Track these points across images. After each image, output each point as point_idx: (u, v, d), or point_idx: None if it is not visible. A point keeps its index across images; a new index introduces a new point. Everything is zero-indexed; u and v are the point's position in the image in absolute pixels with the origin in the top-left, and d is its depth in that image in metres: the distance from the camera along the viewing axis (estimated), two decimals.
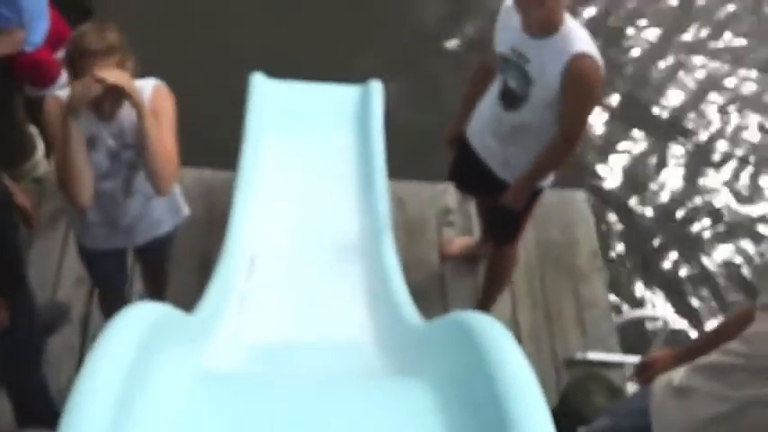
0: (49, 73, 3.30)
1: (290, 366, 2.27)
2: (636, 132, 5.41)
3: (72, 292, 3.45)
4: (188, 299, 2.68)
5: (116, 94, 2.24)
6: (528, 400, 1.42)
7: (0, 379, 2.82)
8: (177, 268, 3.49)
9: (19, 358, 2.67)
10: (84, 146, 2.29)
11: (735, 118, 5.60)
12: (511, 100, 2.78)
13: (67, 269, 3.50)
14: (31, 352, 2.74)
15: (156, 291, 3.24)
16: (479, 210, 3.66)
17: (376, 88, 3.63)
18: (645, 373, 2.47)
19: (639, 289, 4.60)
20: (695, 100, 5.67)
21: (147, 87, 2.41)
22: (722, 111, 5.64)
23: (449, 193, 4.08)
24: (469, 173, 3.15)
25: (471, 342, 1.59)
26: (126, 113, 2.38)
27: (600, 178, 5.09)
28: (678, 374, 2.25)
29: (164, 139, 2.36)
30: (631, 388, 3.32)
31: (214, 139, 4.03)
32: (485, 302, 3.53)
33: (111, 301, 3.06)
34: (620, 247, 4.75)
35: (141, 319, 1.50)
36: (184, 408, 1.50)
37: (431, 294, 3.69)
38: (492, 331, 1.59)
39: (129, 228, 2.65)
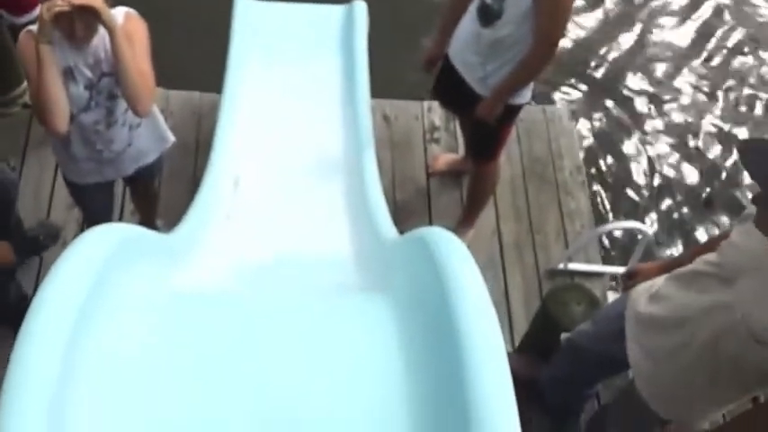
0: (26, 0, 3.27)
1: (270, 282, 2.30)
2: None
3: (65, 216, 3.48)
4: (179, 220, 2.72)
5: (88, 17, 2.23)
6: (478, 314, 1.44)
7: None
8: (167, 191, 3.53)
9: None
10: (57, 72, 2.28)
11: None
12: (487, 16, 2.76)
13: (60, 192, 3.50)
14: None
15: (147, 215, 3.28)
16: (462, 127, 3.65)
17: (360, 8, 3.59)
18: (629, 283, 2.51)
19: (624, 202, 4.62)
20: None
21: (119, 14, 2.40)
22: None
23: (435, 111, 4.08)
24: (452, 90, 3.13)
25: (428, 256, 1.62)
26: (100, 43, 2.37)
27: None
28: (657, 282, 2.29)
29: (138, 61, 2.36)
30: (611, 297, 3.37)
31: (199, 61, 4.01)
32: (469, 216, 3.56)
33: None
34: (603, 162, 4.76)
35: (108, 235, 1.52)
36: (149, 322, 1.54)
37: (417, 210, 3.72)
38: (447, 245, 1.61)
39: (114, 159, 2.66)
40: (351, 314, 1.75)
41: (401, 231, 2.97)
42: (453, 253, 1.57)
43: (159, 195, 3.34)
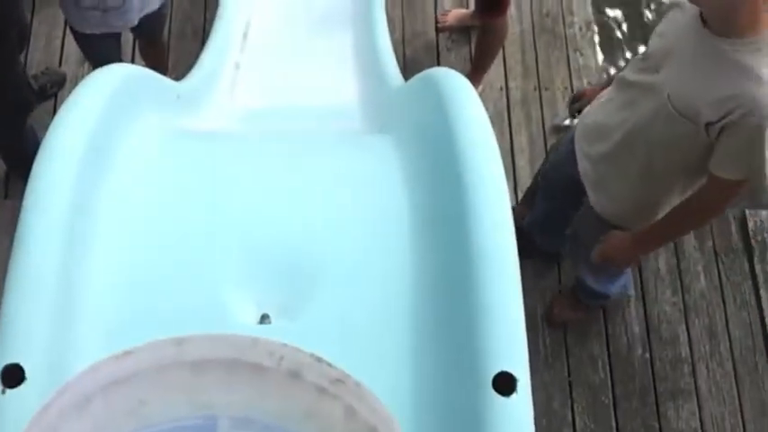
0: None
1: (277, 127, 2.31)
2: None
3: (76, 70, 3.47)
4: (188, 71, 2.71)
5: None
6: (480, 144, 1.44)
7: None
8: (177, 46, 3.50)
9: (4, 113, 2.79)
10: None
11: None
12: None
13: (71, 48, 3.45)
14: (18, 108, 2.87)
15: (157, 64, 3.26)
16: None
17: None
18: (574, 106, 2.60)
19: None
20: None
21: None
22: None
23: None
24: None
25: (432, 92, 1.61)
26: None
27: None
28: (603, 94, 2.35)
29: None
30: None
31: None
32: (477, 72, 3.51)
33: None
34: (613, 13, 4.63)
35: (115, 74, 1.53)
36: (156, 157, 1.55)
37: (426, 65, 3.67)
38: (451, 81, 1.60)
39: (119, 8, 2.60)
40: (355, 153, 1.76)
41: None
42: (457, 88, 1.56)
43: (168, 48, 3.31)
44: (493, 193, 1.39)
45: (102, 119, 1.44)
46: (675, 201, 2.19)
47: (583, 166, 2.36)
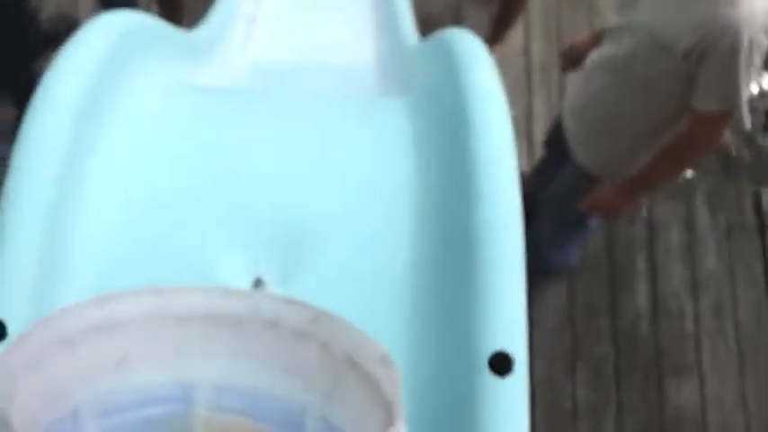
0: None
1: (288, 83, 2.20)
2: None
3: (92, 15, 3.35)
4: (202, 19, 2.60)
5: None
6: (492, 112, 1.35)
7: None
8: None
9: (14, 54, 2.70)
10: None
11: None
12: None
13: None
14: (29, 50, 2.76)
15: (172, 16, 3.15)
16: None
17: None
18: (565, 61, 2.53)
19: None
20: None
21: None
22: None
23: None
24: None
25: (445, 54, 1.50)
26: None
27: None
28: None
29: None
30: None
31: None
32: (497, 33, 3.37)
33: None
34: None
35: (119, 20, 1.42)
36: (156, 113, 1.46)
37: (445, 24, 3.53)
38: (465, 44, 1.50)
39: None
40: (364, 115, 1.66)
41: None
42: (470, 53, 1.46)
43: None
44: (501, 174, 1.30)
45: (103, 68, 1.34)
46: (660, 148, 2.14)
47: (566, 119, 2.32)
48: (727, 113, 1.93)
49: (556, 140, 2.41)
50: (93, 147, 1.34)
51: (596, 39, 2.30)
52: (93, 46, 1.35)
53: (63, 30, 3.20)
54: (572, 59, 2.44)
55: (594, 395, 2.90)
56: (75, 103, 1.26)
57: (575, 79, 2.33)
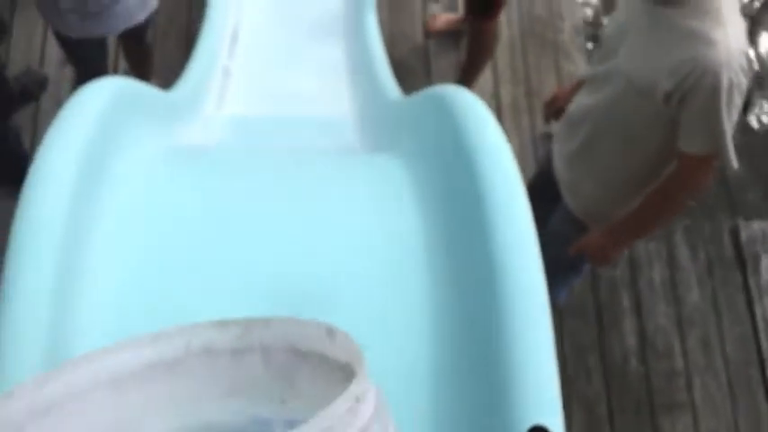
0: None
1: (272, 141, 2.14)
2: None
3: (58, 74, 3.25)
4: (174, 75, 2.51)
5: None
6: (500, 165, 1.30)
7: None
8: (162, 48, 3.31)
9: None
10: None
11: None
12: None
13: (52, 50, 3.26)
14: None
15: (142, 73, 3.07)
16: None
17: None
18: (549, 110, 2.49)
19: None
20: None
21: None
22: None
23: None
24: None
25: (445, 111, 1.45)
26: None
27: None
28: None
29: None
30: None
31: None
32: (467, 78, 3.35)
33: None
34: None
35: (104, 90, 1.35)
36: (152, 177, 1.39)
37: (415, 70, 3.51)
38: (466, 99, 1.45)
39: (101, 13, 2.40)
40: (359, 173, 1.60)
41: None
42: (474, 110, 1.41)
43: (153, 52, 3.11)
44: (518, 233, 1.24)
45: (93, 140, 1.28)
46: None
47: (556, 166, 2.28)
48: (713, 155, 1.89)
49: (542, 186, 2.38)
50: (92, 221, 1.27)
51: (577, 87, 2.28)
52: (85, 116, 1.29)
53: (31, 85, 3.10)
54: (555, 109, 2.42)
55: None
56: (71, 176, 1.19)
57: (558, 128, 2.30)
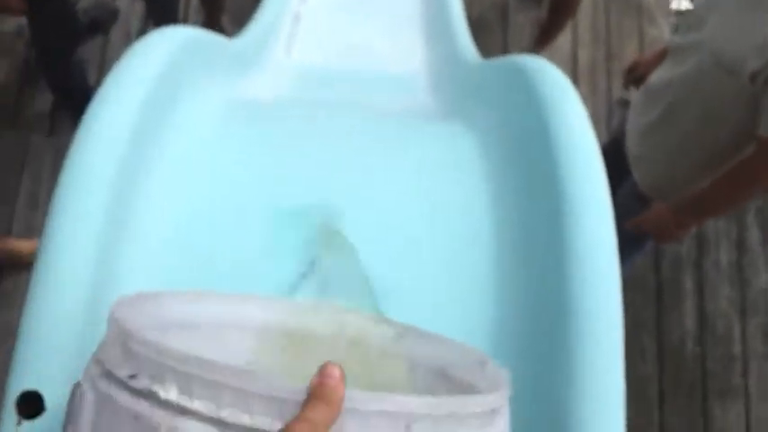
0: None
1: (341, 96, 2.07)
2: None
3: (129, 6, 3.23)
4: (247, 15, 2.46)
5: None
6: (583, 157, 1.19)
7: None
8: None
9: (51, 41, 2.57)
10: None
11: None
12: None
13: None
14: (65, 36, 2.63)
15: (212, 11, 3.02)
16: None
17: None
18: (629, 76, 2.35)
19: None
20: None
21: None
22: None
23: None
24: None
25: (527, 87, 1.35)
26: None
27: None
28: None
29: None
30: None
31: None
32: (546, 37, 3.22)
33: (163, 20, 2.89)
34: None
35: (167, 40, 1.30)
36: (212, 131, 1.34)
37: (492, 26, 3.39)
38: (550, 73, 1.34)
39: None
40: (429, 137, 1.52)
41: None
42: (560, 91, 1.30)
43: None
44: (597, 236, 1.14)
45: (153, 94, 1.22)
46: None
47: (629, 137, 2.15)
48: None
49: (612, 157, 2.27)
50: (150, 163, 1.23)
51: (660, 56, 2.14)
52: (150, 61, 1.24)
53: (100, 18, 3.08)
54: (635, 76, 2.29)
55: (636, 416, 2.76)
56: (125, 135, 1.15)
57: (636, 98, 2.17)
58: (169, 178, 1.25)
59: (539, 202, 1.20)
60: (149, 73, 1.24)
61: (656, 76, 2.05)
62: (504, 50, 3.32)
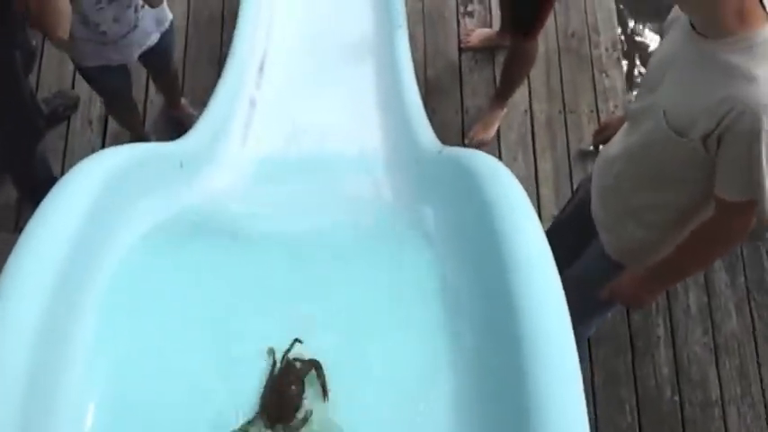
0: None
1: (299, 183, 2.04)
2: None
3: (91, 92, 3.20)
4: (205, 95, 2.42)
5: None
6: (536, 262, 1.18)
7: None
8: (193, 68, 3.24)
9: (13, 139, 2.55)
10: None
11: None
12: None
13: None
14: (27, 134, 2.61)
15: (171, 95, 3.01)
16: (501, 1, 3.29)
17: None
18: (598, 137, 2.35)
19: None
20: None
21: None
22: None
23: None
24: None
25: (477, 182, 1.34)
26: None
27: None
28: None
29: None
30: None
31: None
32: (502, 96, 3.24)
33: (120, 109, 2.87)
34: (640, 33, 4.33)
35: (102, 166, 1.28)
36: (148, 259, 1.31)
37: (448, 87, 3.39)
38: (500, 176, 1.34)
39: (117, 42, 2.32)
40: (384, 248, 1.50)
41: (431, 108, 2.68)
42: (509, 196, 1.29)
43: (178, 74, 3.04)
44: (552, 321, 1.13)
45: (87, 220, 1.20)
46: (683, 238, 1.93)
47: (594, 203, 2.13)
48: (753, 201, 1.69)
49: (578, 217, 2.25)
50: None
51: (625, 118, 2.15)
52: (76, 203, 1.21)
53: (63, 107, 3.07)
54: (605, 137, 2.27)
55: None
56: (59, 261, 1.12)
57: (596, 162, 2.16)
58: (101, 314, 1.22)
59: (498, 336, 1.19)
60: (74, 211, 1.21)
61: (614, 142, 2.04)
62: (462, 110, 3.32)
